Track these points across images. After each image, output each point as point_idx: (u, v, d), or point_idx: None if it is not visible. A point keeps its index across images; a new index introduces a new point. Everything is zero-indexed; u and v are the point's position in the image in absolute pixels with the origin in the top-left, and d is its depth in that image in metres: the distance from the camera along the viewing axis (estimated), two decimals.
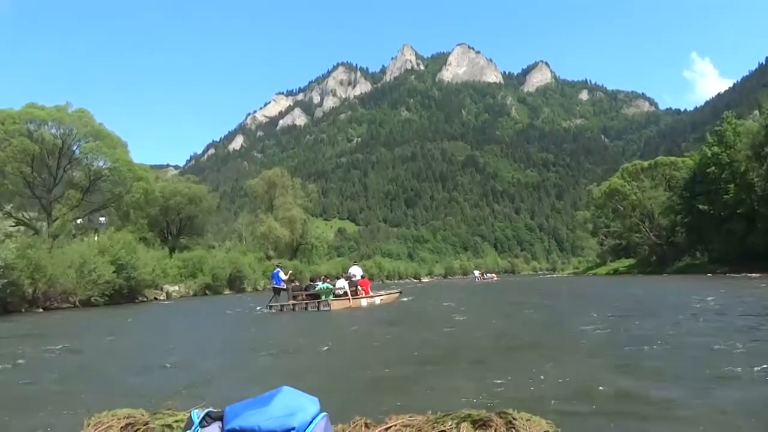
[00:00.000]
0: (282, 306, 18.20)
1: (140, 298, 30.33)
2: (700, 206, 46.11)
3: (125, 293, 28.01)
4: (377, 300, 19.84)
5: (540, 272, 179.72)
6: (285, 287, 19.17)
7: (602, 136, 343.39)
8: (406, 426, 1.70)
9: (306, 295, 18.60)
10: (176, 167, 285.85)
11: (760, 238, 40.66)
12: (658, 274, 49.16)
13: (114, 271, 25.87)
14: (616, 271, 67.78)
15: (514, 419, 1.62)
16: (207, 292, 41.33)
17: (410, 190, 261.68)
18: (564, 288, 31.57)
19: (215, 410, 1.42)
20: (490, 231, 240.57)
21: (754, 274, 33.57)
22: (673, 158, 64.08)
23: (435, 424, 1.68)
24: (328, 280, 20.04)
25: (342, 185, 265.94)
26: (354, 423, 1.80)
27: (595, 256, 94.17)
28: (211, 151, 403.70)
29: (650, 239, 61.07)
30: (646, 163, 65.87)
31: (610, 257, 79.62)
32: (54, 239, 32.32)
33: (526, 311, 14.67)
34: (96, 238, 28.13)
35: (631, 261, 69.01)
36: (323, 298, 18.24)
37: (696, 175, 49.43)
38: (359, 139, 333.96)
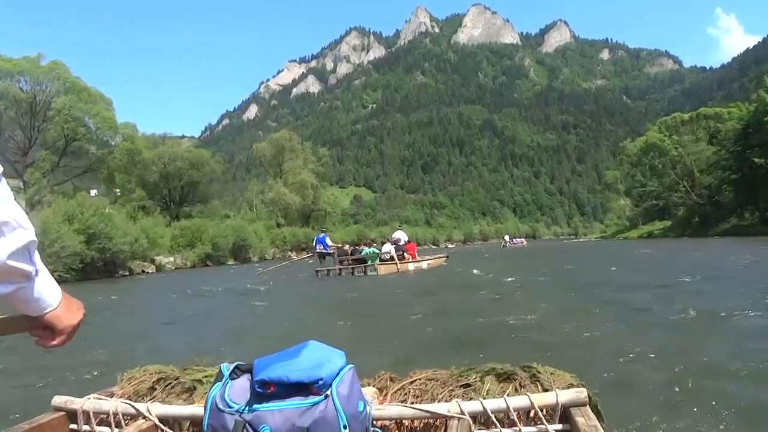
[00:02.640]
0: (328, 271, 18.19)
1: (121, 272, 26.49)
2: (756, 160, 41.03)
3: (99, 267, 24.25)
4: (424, 264, 19.36)
5: (562, 237, 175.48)
6: (331, 252, 19.31)
7: (624, 97, 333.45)
8: (430, 380, 1.76)
9: (352, 259, 18.75)
10: (191, 138, 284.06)
11: None
12: (700, 237, 44.75)
13: (82, 242, 22.16)
14: (650, 235, 63.06)
15: (539, 372, 1.65)
16: (208, 263, 37.70)
17: (427, 156, 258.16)
18: (614, 254, 27.07)
19: (244, 363, 1.48)
20: (509, 196, 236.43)
21: None
22: (717, 109, 58.39)
23: (459, 378, 1.73)
24: (374, 245, 20.16)
25: (357, 152, 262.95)
26: (379, 377, 1.87)
27: (624, 219, 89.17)
28: (226, 121, 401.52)
29: (691, 199, 55.94)
30: (686, 116, 60.14)
31: (642, 220, 74.69)
32: (32, 208, 28.81)
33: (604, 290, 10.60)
34: (62, 204, 24.18)
35: (667, 223, 64.15)
36: (369, 262, 18.21)
37: (750, 125, 44.14)
38: (374, 105, 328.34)
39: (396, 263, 17.94)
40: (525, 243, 65.82)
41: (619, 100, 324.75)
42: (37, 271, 0.90)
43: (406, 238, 19.81)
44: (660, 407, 3.00)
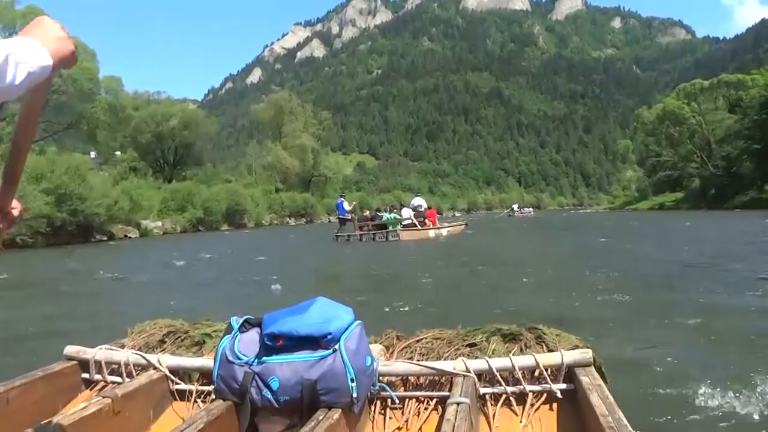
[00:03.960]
0: (348, 236, 18.30)
1: (98, 237, 24.19)
2: None
3: (72, 231, 21.95)
4: (444, 231, 19.40)
5: (567, 207, 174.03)
6: (350, 217, 19.30)
7: (634, 67, 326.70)
8: (436, 339, 1.79)
9: (372, 225, 18.70)
10: (194, 101, 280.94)
11: None
12: (716, 210, 42.82)
13: (49, 203, 19.93)
14: (661, 206, 60.92)
15: (544, 333, 1.69)
16: (200, 228, 35.84)
17: (432, 124, 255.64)
18: (630, 226, 24.96)
19: (253, 317, 1.53)
20: (514, 165, 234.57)
21: None
22: (740, 76, 55.58)
23: (465, 337, 1.77)
24: (395, 211, 20.15)
25: (362, 118, 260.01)
26: (386, 335, 1.91)
27: (633, 190, 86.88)
28: (229, 84, 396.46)
29: (707, 170, 53.60)
30: (706, 83, 57.42)
31: (652, 191, 72.31)
32: None
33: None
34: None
35: (679, 195, 61.88)
36: (390, 228, 18.09)
37: None
38: (380, 71, 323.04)
39: (418, 229, 17.99)
40: (533, 213, 64.69)
41: (629, 70, 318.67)
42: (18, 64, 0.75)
43: (426, 205, 20.04)
44: (665, 373, 3.03)
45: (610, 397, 1.29)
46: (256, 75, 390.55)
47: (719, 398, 2.59)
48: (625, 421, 1.13)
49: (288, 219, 50.55)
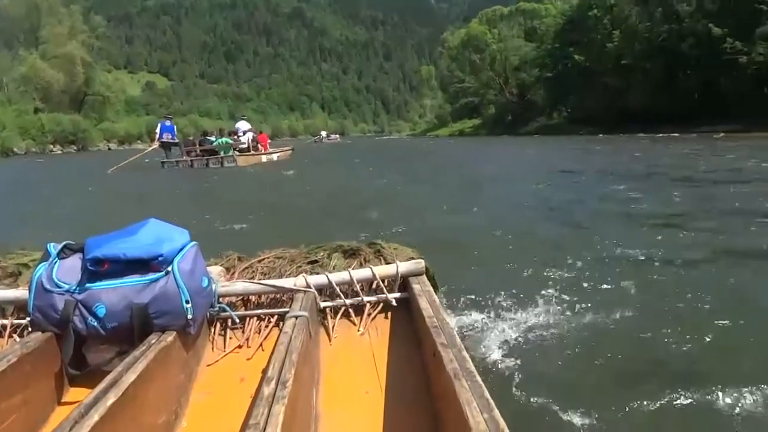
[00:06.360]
0: (177, 162, 17.12)
1: None
2: (576, 57, 40.21)
3: None
4: (275, 156, 19.40)
5: (369, 134, 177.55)
6: (177, 141, 18.44)
7: None
8: (278, 258, 1.82)
9: (201, 150, 17.50)
10: None
11: (638, 96, 35.98)
12: (511, 136, 44.68)
13: None
14: (461, 133, 62.79)
15: (383, 248, 1.78)
16: None
17: (230, 43, 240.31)
18: (433, 150, 26.87)
19: (74, 243, 1.42)
20: (318, 91, 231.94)
21: (641, 135, 28.83)
22: (535, 5, 57.56)
23: (307, 255, 1.82)
24: (225, 135, 19.02)
25: (150, 33, 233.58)
26: (227, 257, 1.86)
27: (432, 117, 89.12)
28: None
29: (504, 97, 55.62)
30: (506, 10, 58.78)
31: (452, 117, 74.37)
32: None
33: None
34: None
35: (476, 122, 64.14)
36: (223, 153, 17.11)
37: (573, 20, 43.04)
38: None
39: (253, 154, 17.71)
40: (339, 139, 64.78)
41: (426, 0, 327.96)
42: None
43: (255, 129, 19.92)
44: (487, 277, 3.35)
45: (437, 300, 1.36)
46: None
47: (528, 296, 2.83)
48: (448, 320, 1.19)
49: (52, 147, 41.96)
